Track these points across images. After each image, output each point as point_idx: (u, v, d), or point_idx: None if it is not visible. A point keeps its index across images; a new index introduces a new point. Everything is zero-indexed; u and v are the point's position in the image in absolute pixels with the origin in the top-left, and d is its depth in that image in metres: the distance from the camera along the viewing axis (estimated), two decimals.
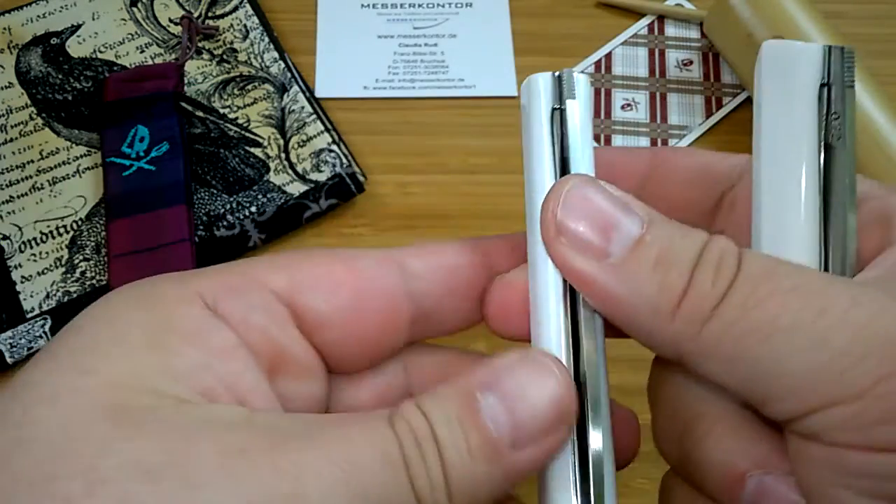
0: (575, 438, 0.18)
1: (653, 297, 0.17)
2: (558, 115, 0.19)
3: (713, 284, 0.17)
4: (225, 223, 0.42)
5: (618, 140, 0.46)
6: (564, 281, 0.18)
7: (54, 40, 0.47)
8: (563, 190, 0.18)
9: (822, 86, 0.19)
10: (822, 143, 0.19)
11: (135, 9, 0.48)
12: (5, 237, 0.42)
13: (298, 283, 0.19)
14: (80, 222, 0.42)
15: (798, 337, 0.16)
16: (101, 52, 0.47)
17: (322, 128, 0.45)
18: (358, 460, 0.16)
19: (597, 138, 0.46)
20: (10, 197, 0.43)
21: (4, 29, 0.47)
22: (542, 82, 0.19)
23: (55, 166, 0.44)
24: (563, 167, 0.19)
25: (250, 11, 0.48)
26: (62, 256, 0.41)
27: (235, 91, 0.46)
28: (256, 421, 0.17)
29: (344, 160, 0.43)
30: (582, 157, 0.19)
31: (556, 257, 0.18)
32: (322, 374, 0.21)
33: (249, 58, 0.47)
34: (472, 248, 0.21)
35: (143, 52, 0.47)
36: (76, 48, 0.47)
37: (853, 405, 0.15)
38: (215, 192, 0.43)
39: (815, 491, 0.17)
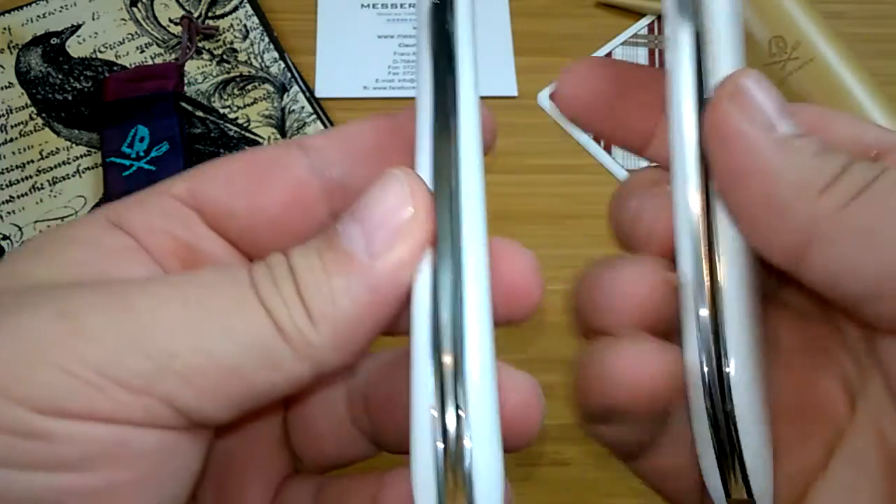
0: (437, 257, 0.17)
1: (808, 171, 0.17)
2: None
3: (866, 173, 0.17)
4: None
5: None
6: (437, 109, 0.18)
7: (54, 40, 0.47)
8: (747, 72, 0.18)
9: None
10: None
11: (135, 9, 0.48)
12: (5, 237, 0.42)
13: (198, 182, 0.19)
14: None
15: None
16: (101, 52, 0.47)
17: (322, 128, 0.45)
18: (202, 283, 0.16)
19: (597, 139, 0.46)
20: (10, 197, 0.43)
21: (4, 29, 0.47)
22: None
23: (55, 166, 0.44)
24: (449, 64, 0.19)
25: (250, 11, 0.48)
26: None
27: (235, 91, 0.46)
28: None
29: None
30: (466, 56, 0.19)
31: (723, 115, 0.18)
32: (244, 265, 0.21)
33: (249, 58, 0.47)
34: (372, 118, 0.21)
35: (143, 52, 0.47)
36: (76, 48, 0.47)
37: None
38: None
39: None
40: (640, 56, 0.49)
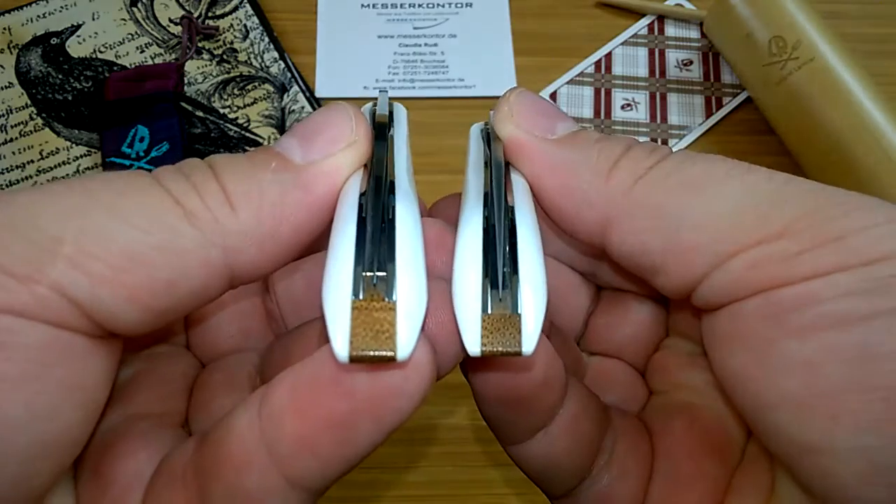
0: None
1: (592, 158, 0.18)
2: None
3: (649, 154, 0.18)
4: None
5: None
6: None
7: (54, 40, 0.47)
8: (516, 90, 0.20)
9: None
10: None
11: (135, 9, 0.48)
12: None
13: None
14: None
15: (727, 186, 0.16)
16: (101, 52, 0.47)
17: None
18: (91, 175, 0.15)
19: None
20: None
21: (4, 29, 0.47)
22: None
23: (55, 166, 0.44)
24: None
25: (250, 11, 0.48)
26: None
27: (235, 91, 0.46)
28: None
29: None
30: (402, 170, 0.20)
31: (507, 134, 0.19)
32: None
33: (249, 58, 0.47)
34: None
35: (143, 52, 0.47)
36: (76, 48, 0.47)
37: (774, 243, 0.16)
38: None
39: (756, 365, 0.16)
40: (640, 56, 0.49)
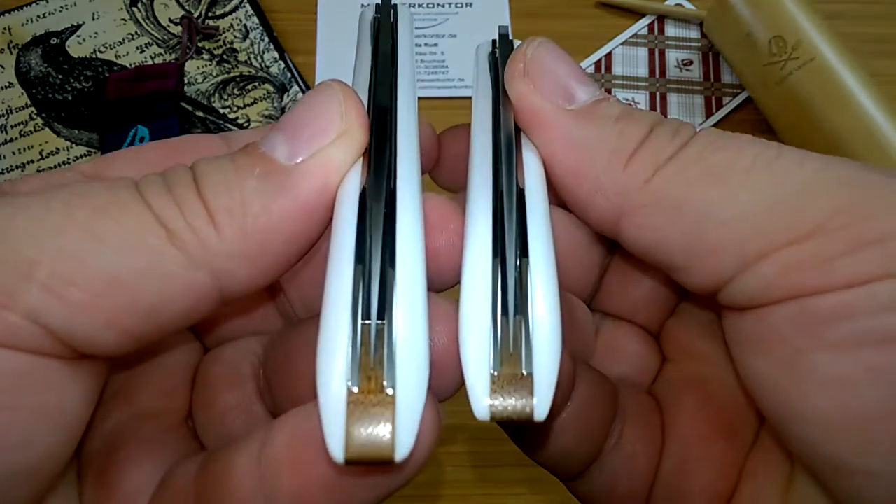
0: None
1: (611, 141, 0.16)
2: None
3: (672, 139, 0.16)
4: None
5: None
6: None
7: (54, 40, 0.47)
8: (535, 42, 0.18)
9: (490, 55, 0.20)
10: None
11: (135, 9, 0.48)
12: None
13: (106, 161, 0.17)
14: None
15: (755, 177, 0.15)
16: (100, 52, 0.47)
17: None
18: (70, 189, 0.14)
19: None
20: None
21: (4, 29, 0.47)
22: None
23: (55, 166, 0.44)
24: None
25: (250, 11, 0.48)
26: None
27: (235, 91, 0.46)
28: None
29: None
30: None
31: (517, 95, 0.17)
32: None
33: (249, 58, 0.47)
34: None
35: (143, 52, 0.47)
36: (76, 48, 0.47)
37: (807, 243, 0.14)
38: None
39: (783, 374, 0.15)
40: (640, 56, 0.49)
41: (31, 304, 0.13)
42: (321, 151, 0.15)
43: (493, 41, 0.21)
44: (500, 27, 0.21)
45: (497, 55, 0.20)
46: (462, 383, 0.15)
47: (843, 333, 0.14)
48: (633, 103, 0.48)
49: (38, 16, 0.48)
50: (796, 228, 0.14)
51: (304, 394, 0.18)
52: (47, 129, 0.45)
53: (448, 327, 0.15)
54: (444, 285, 0.17)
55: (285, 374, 0.18)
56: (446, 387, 0.16)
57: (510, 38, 0.21)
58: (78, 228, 0.13)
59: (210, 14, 0.48)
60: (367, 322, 0.14)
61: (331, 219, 0.15)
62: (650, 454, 0.20)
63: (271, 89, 0.46)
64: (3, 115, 0.45)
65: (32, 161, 0.44)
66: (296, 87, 0.46)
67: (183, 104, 0.45)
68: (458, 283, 0.16)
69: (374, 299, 0.14)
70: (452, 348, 0.15)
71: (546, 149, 0.17)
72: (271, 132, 0.15)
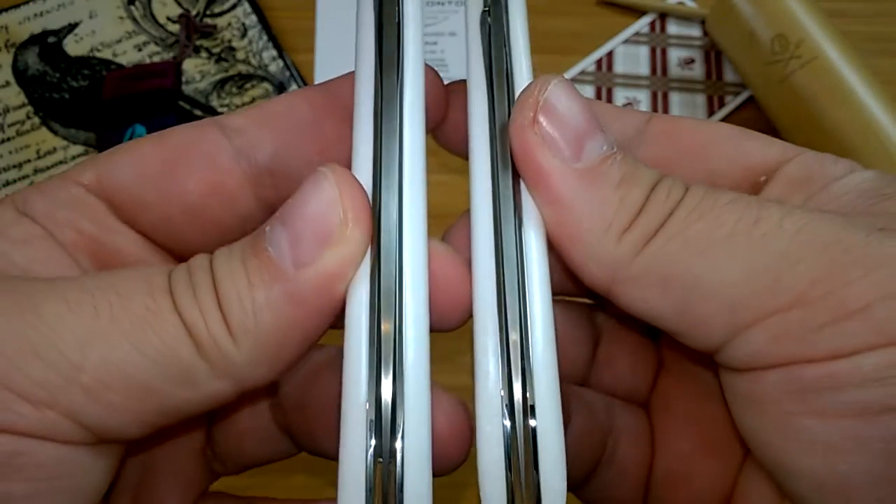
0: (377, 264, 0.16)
1: (611, 210, 0.16)
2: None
3: (665, 202, 0.16)
4: None
5: None
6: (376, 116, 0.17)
7: (51, 39, 0.47)
8: (549, 84, 0.17)
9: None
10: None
11: (132, 7, 0.48)
12: None
13: (107, 168, 0.18)
14: None
15: (734, 246, 0.15)
16: (98, 50, 0.47)
17: None
18: (114, 288, 0.15)
19: None
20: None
21: (1, 28, 0.47)
22: None
23: (52, 165, 0.44)
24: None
25: (249, 9, 0.48)
26: None
27: (233, 89, 0.46)
28: (27, 277, 0.16)
29: None
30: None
31: (523, 146, 0.17)
32: (165, 265, 0.19)
33: (248, 56, 0.47)
34: (305, 92, 0.19)
35: (140, 50, 0.47)
36: (73, 47, 0.47)
37: (792, 312, 0.15)
38: None
39: (775, 435, 0.15)
40: (642, 54, 0.49)
41: (71, 406, 0.14)
42: (324, 258, 0.15)
43: (485, 4, 0.19)
44: None
45: (490, 26, 0.19)
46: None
47: (829, 403, 0.14)
48: (634, 102, 0.47)
49: (35, 14, 0.47)
50: (780, 297, 0.15)
51: (322, 416, 0.19)
52: (44, 128, 0.44)
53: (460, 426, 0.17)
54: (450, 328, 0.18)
55: (303, 396, 0.19)
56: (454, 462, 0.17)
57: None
58: (121, 338, 0.14)
59: (208, 12, 0.48)
60: (381, 460, 0.15)
61: (341, 311, 0.16)
62: (641, 469, 0.20)
63: (270, 88, 0.46)
64: (0, 114, 0.45)
65: (29, 160, 0.44)
66: (294, 86, 0.46)
67: (181, 103, 0.45)
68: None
69: (387, 436, 0.15)
70: (455, 435, 0.17)
71: (545, 208, 0.17)
72: (276, 227, 0.15)
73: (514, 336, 0.16)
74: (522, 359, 0.16)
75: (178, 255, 0.19)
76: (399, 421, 0.15)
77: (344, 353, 0.16)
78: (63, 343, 0.14)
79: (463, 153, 0.19)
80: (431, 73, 0.19)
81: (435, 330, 0.17)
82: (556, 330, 0.17)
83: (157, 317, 0.15)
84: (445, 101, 0.19)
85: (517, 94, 0.18)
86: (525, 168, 0.17)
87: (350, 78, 0.18)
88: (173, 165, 0.18)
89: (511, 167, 0.17)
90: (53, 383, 0.14)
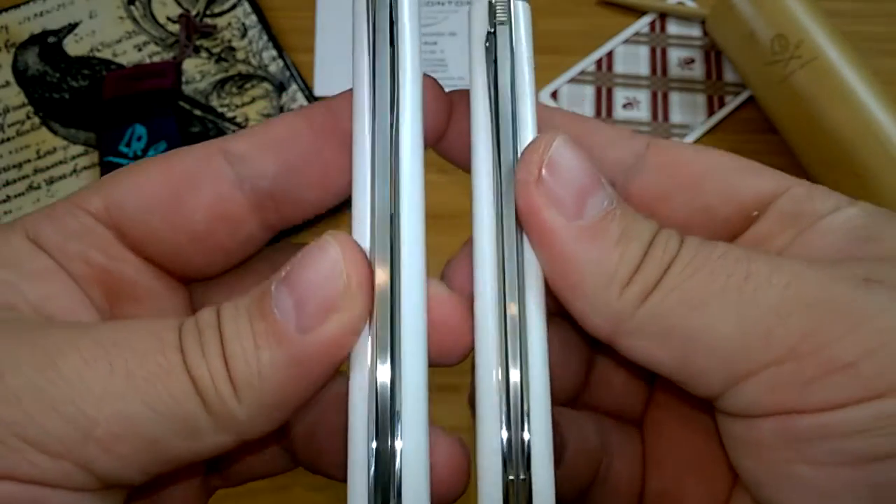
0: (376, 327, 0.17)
1: (611, 266, 0.17)
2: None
3: (661, 258, 0.17)
4: None
5: None
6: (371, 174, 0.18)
7: (51, 39, 0.47)
8: (552, 144, 0.18)
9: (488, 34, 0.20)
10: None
11: (132, 7, 0.48)
12: None
13: (114, 196, 0.18)
14: None
15: (725, 302, 0.16)
16: (98, 50, 0.47)
17: None
18: (128, 344, 0.16)
19: None
20: (7, 196, 0.43)
21: (1, 28, 0.47)
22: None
23: (52, 165, 0.43)
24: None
25: (249, 9, 0.48)
26: None
27: (234, 89, 0.46)
28: (43, 320, 0.17)
29: None
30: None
31: (528, 204, 0.17)
32: (173, 293, 0.20)
33: (248, 56, 0.47)
34: (306, 113, 0.19)
35: (140, 50, 0.47)
36: (73, 47, 0.47)
37: (785, 365, 0.15)
38: None
39: (769, 477, 0.16)
40: (642, 54, 0.49)
41: (84, 457, 0.15)
42: (327, 325, 0.16)
43: (490, 26, 0.19)
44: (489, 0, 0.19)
45: (496, 46, 0.19)
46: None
47: (821, 451, 0.15)
48: (634, 102, 0.47)
49: (36, 14, 0.47)
50: (773, 351, 0.16)
51: (327, 444, 0.20)
52: (44, 128, 0.44)
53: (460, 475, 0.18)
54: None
55: (309, 426, 0.20)
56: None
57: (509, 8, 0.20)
58: (134, 394, 0.15)
59: (208, 12, 0.48)
60: None
61: (338, 368, 0.17)
62: (633, 488, 0.21)
63: (270, 88, 0.46)
64: (0, 115, 0.45)
65: (29, 160, 0.44)
66: (294, 86, 0.46)
67: (181, 103, 0.45)
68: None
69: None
70: (453, 475, 0.18)
71: (548, 263, 0.18)
72: (282, 289, 0.16)
73: (514, 394, 0.17)
74: (522, 415, 0.17)
75: (182, 277, 0.20)
76: (397, 479, 0.16)
77: (348, 404, 0.17)
78: (80, 399, 0.15)
79: (464, 165, 0.20)
80: (432, 85, 0.19)
81: (436, 365, 0.18)
82: (550, 368, 0.18)
83: (169, 375, 0.15)
84: (447, 113, 0.20)
85: (522, 145, 0.18)
86: (529, 224, 0.17)
87: (350, 96, 0.19)
88: (179, 195, 0.19)
89: (515, 218, 0.18)
90: (70, 437, 0.15)
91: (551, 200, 0.17)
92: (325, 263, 0.16)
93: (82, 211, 0.18)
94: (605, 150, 0.19)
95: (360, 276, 0.16)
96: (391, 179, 0.18)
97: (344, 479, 0.17)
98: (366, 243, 0.17)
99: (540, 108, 0.19)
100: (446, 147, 0.20)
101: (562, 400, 0.22)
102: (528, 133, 0.18)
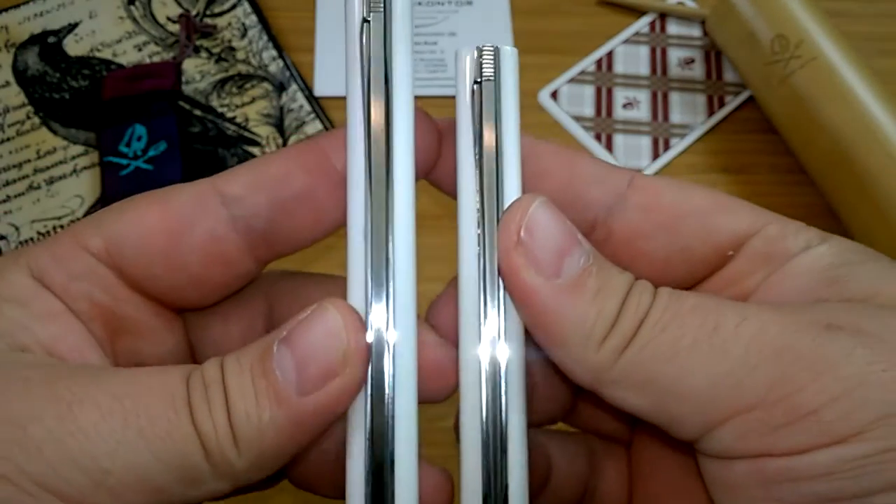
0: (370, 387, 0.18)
1: (589, 323, 0.18)
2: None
3: (634, 315, 0.18)
4: None
5: (619, 139, 0.46)
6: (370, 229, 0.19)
7: (51, 39, 0.47)
8: (530, 207, 0.19)
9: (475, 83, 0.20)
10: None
11: (132, 7, 0.48)
12: (2, 237, 0.41)
13: (114, 239, 0.19)
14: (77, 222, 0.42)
15: (697, 354, 0.17)
16: (98, 50, 0.47)
17: (321, 126, 0.44)
18: (140, 398, 0.17)
19: (598, 137, 0.46)
20: (7, 196, 0.43)
21: (1, 28, 0.47)
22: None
23: (52, 165, 0.43)
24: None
25: (249, 9, 0.48)
26: None
27: (234, 89, 0.46)
28: (58, 364, 0.18)
29: None
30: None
31: (508, 266, 0.18)
32: (170, 325, 0.21)
33: (248, 56, 0.47)
34: (298, 153, 0.20)
35: (140, 50, 0.47)
36: (73, 47, 0.47)
37: (754, 413, 0.17)
38: None
39: None
40: (642, 54, 0.49)
41: (97, 503, 0.16)
42: (326, 389, 0.17)
43: (478, 52, 0.20)
44: (477, 48, 0.20)
45: (481, 95, 0.20)
46: None
47: (790, 493, 0.17)
48: (634, 102, 0.47)
49: (35, 14, 0.47)
50: (743, 399, 0.17)
51: (320, 469, 0.22)
52: (44, 128, 0.44)
53: None
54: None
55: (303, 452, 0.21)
56: None
57: (494, 60, 0.20)
58: (145, 447, 0.16)
59: (208, 12, 0.48)
60: None
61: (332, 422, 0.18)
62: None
63: (270, 88, 0.46)
64: (0, 115, 0.45)
65: (29, 160, 0.44)
66: (294, 86, 0.46)
67: (181, 103, 0.45)
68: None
69: None
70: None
71: (529, 319, 0.19)
72: (283, 350, 0.17)
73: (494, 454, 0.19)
74: (501, 451, 0.19)
75: (181, 308, 0.21)
76: None
77: (345, 455, 0.18)
78: (97, 451, 0.16)
79: (454, 194, 0.20)
80: (422, 119, 0.20)
81: (424, 402, 0.19)
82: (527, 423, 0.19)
83: (178, 430, 0.17)
84: (437, 145, 0.21)
85: (506, 202, 0.19)
86: (510, 284, 0.19)
87: (342, 136, 0.20)
88: (178, 239, 0.20)
89: (498, 274, 0.19)
90: (86, 486, 0.16)
91: (530, 262, 0.18)
92: (325, 327, 0.18)
93: (85, 252, 0.19)
94: (589, 188, 0.20)
95: (358, 342, 0.18)
96: (386, 232, 0.19)
97: (332, 496, 0.18)
98: (362, 302, 0.18)
99: (525, 141, 0.20)
100: (437, 178, 0.21)
101: (552, 417, 0.24)
102: (512, 189, 0.19)
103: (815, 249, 0.19)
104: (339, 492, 0.19)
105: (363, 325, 0.18)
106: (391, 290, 0.18)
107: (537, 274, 0.18)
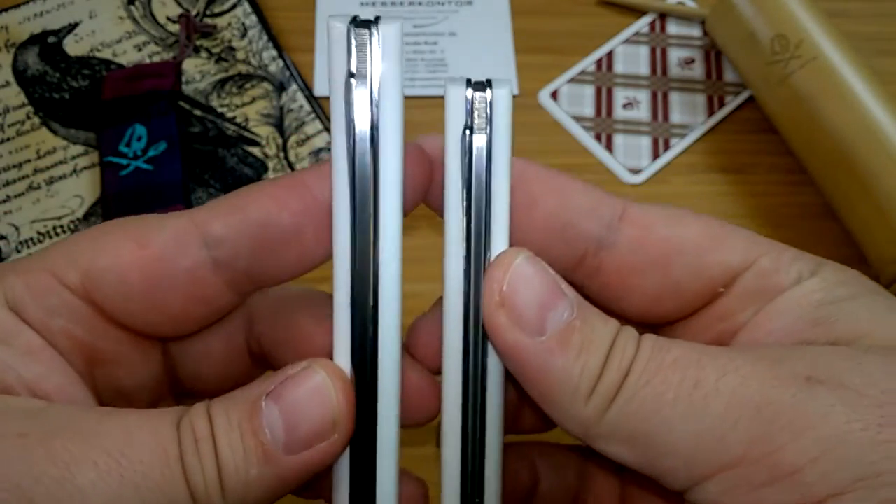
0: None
1: (575, 379, 0.18)
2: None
3: (618, 369, 0.18)
4: None
5: (619, 139, 0.46)
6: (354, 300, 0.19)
7: (51, 39, 0.47)
8: (512, 264, 0.19)
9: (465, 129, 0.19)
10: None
11: (132, 7, 0.48)
12: (2, 237, 0.41)
13: (91, 276, 0.19)
14: (77, 222, 0.42)
15: (679, 409, 0.17)
16: (98, 50, 0.47)
17: (321, 126, 0.44)
18: (135, 454, 0.17)
19: (598, 137, 0.46)
20: (7, 196, 0.43)
21: (1, 28, 0.47)
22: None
23: (52, 165, 0.43)
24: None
25: (249, 9, 0.48)
26: None
27: (234, 90, 0.46)
28: (48, 411, 0.18)
29: None
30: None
31: (492, 325, 0.19)
32: (149, 352, 0.21)
33: (248, 56, 0.47)
34: (284, 188, 0.20)
35: (140, 50, 0.47)
36: (73, 47, 0.47)
37: (737, 469, 0.17)
38: (213, 191, 0.42)
39: None
40: (642, 54, 0.49)
41: None
42: (312, 451, 0.18)
43: (471, 90, 0.19)
44: (469, 84, 0.19)
45: (471, 147, 0.19)
46: None
47: None
48: (634, 102, 0.47)
49: (36, 14, 0.47)
50: (726, 456, 0.17)
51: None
52: (44, 129, 0.44)
53: None
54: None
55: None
56: None
57: (486, 94, 0.19)
58: (140, 502, 0.17)
59: (208, 12, 0.48)
60: None
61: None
62: None
63: (270, 88, 0.46)
64: (0, 115, 0.45)
65: (29, 160, 0.44)
66: (294, 86, 0.46)
67: (181, 103, 0.45)
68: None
69: None
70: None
71: (516, 374, 0.19)
72: (272, 406, 0.18)
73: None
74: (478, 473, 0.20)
75: (162, 338, 0.22)
76: None
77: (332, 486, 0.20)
78: (78, 487, 0.16)
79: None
80: (414, 151, 0.20)
81: (406, 427, 0.20)
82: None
83: (170, 485, 0.17)
84: (430, 172, 0.21)
85: (493, 253, 0.19)
86: (495, 341, 0.19)
87: (327, 172, 0.19)
88: (156, 282, 0.19)
89: (482, 328, 0.19)
90: None
91: (513, 320, 0.18)
92: (314, 388, 0.18)
93: (61, 286, 0.19)
94: (580, 219, 0.20)
95: (348, 406, 0.19)
96: (371, 289, 0.19)
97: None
98: (347, 362, 0.19)
99: (515, 165, 0.20)
100: (430, 201, 0.21)
101: (542, 429, 0.24)
102: (499, 242, 0.19)
103: (805, 284, 0.19)
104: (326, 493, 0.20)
105: (349, 384, 0.19)
106: (377, 356, 0.19)
107: (521, 332, 0.18)
